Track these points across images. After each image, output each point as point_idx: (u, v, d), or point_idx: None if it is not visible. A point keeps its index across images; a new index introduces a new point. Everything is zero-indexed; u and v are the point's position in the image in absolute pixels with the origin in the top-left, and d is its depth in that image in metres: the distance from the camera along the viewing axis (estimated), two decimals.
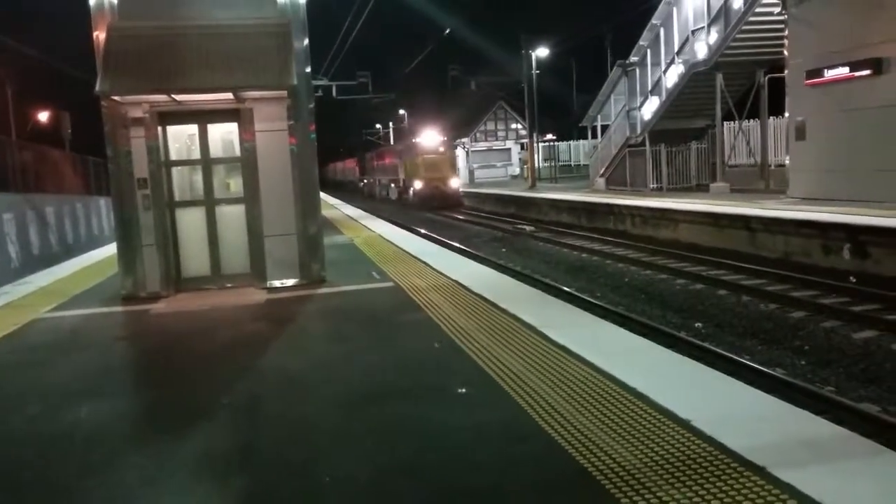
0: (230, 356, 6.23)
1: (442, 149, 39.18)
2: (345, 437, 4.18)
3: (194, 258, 9.41)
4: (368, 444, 4.04)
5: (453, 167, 39.51)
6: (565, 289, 12.91)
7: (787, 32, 19.38)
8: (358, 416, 4.48)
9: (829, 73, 17.75)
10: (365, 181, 58.92)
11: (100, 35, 8.49)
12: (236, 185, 9.38)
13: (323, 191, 44.54)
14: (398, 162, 42.30)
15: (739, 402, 4.27)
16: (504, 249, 20.12)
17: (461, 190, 39.22)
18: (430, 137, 39.64)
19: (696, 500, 3.09)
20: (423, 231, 22.39)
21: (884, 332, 9.18)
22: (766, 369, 7.90)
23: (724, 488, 3.16)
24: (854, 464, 3.38)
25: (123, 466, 3.93)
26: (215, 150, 9.39)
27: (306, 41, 9.14)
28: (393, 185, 44.86)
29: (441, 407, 4.54)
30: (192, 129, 9.32)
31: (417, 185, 37.47)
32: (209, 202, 9.38)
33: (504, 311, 7.03)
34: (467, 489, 3.42)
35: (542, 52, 41.07)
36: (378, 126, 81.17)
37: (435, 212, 33.95)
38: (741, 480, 3.22)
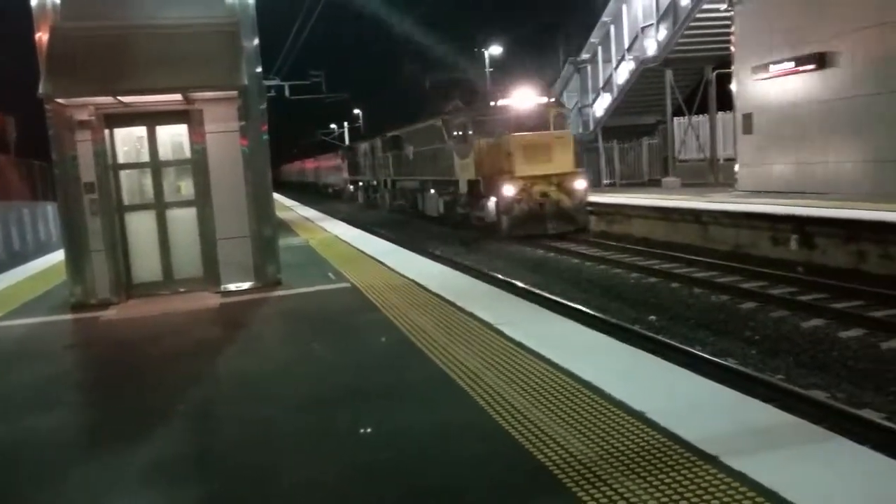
0: (184, 362, 6.13)
1: (552, 121, 20.53)
2: (305, 440, 4.14)
3: (145, 263, 9.23)
4: (329, 446, 4.02)
5: (576, 157, 20.87)
6: (522, 285, 12.99)
7: (733, 29, 19.80)
8: (317, 419, 4.45)
9: (775, 69, 18.18)
10: (361, 183, 38.94)
11: (42, 36, 8.26)
12: (187, 187, 9.23)
13: (282, 193, 43.97)
14: (454, 148, 22.04)
15: (692, 393, 4.35)
16: (461, 247, 20.15)
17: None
18: (527, 97, 20.73)
19: (650, 490, 3.13)
20: (379, 231, 22.28)
21: (831, 321, 9.44)
22: (718, 360, 8.05)
23: (677, 478, 3.21)
24: (804, 450, 3.47)
25: (76, 477, 3.84)
26: (165, 153, 9.22)
27: (256, 40, 9.02)
28: (434, 190, 24.54)
29: (400, 407, 4.53)
30: (141, 131, 9.13)
31: (507, 191, 19.12)
32: (159, 206, 9.21)
33: (461, 308, 7.04)
34: (428, 489, 3.42)
35: (495, 50, 41.32)
36: (333, 126, 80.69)
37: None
38: (694, 470, 3.27)
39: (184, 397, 5.08)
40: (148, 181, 9.23)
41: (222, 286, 9.08)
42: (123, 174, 9.16)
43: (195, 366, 5.94)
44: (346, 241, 14.16)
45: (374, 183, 34.72)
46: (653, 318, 10.53)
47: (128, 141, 9.20)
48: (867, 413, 6.44)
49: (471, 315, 6.72)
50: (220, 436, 4.38)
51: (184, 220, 9.19)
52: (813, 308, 10.03)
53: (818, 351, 8.44)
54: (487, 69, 40.80)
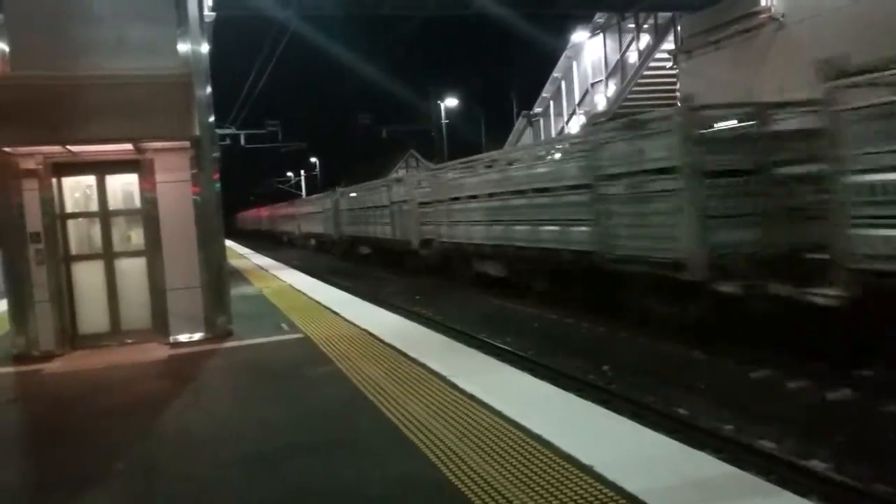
0: (128, 417, 5.97)
1: None
2: (252, 498, 4.05)
3: (92, 314, 9.03)
4: None
5: None
6: (474, 335, 12.98)
7: (678, 85, 20.50)
8: (266, 476, 4.36)
9: (719, 125, 18.79)
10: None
11: None
12: (137, 237, 9.11)
13: (237, 241, 43.25)
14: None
15: (641, 445, 4.39)
16: (418, 297, 20.12)
17: None
18: None
19: None
20: (334, 280, 22.13)
21: (777, 371, 9.60)
22: (666, 411, 8.11)
23: None
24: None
25: None
26: (114, 202, 9.11)
27: (209, 90, 9.05)
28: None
29: (349, 462, 4.48)
30: (90, 180, 9.04)
31: None
32: (108, 255, 9.06)
33: (414, 360, 7.03)
34: None
35: (451, 101, 42.01)
36: (290, 174, 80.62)
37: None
38: None
39: (125, 455, 4.94)
40: (97, 230, 9.10)
41: (171, 337, 8.90)
42: (71, 223, 9.02)
43: (139, 421, 5.79)
44: (300, 291, 14.05)
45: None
46: (605, 367, 10.60)
47: (76, 190, 9.09)
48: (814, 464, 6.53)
49: (423, 366, 6.71)
50: (161, 497, 4.26)
51: (133, 270, 9.04)
52: (761, 360, 10.19)
53: (768, 401, 8.55)
54: (443, 120, 41.41)
